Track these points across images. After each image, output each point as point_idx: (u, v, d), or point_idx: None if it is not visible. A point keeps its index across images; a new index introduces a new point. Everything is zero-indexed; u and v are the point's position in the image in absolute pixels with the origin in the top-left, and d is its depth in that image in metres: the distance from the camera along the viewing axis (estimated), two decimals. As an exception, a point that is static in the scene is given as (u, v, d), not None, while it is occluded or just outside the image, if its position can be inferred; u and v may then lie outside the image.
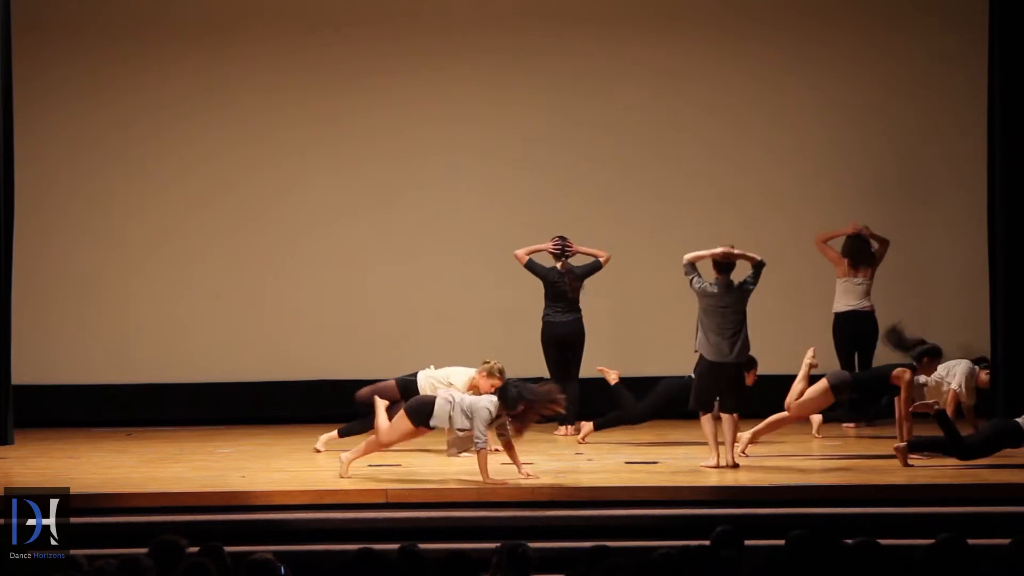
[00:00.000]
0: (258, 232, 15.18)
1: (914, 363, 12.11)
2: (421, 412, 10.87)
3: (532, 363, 14.25)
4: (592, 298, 14.49)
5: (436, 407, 10.80)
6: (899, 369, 12.12)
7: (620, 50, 15.12)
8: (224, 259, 15.18)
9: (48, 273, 15.01)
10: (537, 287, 14.33)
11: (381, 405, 11.22)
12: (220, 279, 15.17)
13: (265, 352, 15.03)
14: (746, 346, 11.57)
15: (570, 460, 12.16)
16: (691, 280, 11.59)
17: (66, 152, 15.10)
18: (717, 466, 11.45)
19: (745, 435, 12.06)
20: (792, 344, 14.64)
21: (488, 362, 11.77)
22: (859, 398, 12.49)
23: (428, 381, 12.41)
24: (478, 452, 10.75)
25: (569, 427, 13.66)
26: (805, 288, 14.85)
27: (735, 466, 11.46)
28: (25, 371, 14.17)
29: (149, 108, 15.10)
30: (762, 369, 12.57)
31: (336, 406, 13.96)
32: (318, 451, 12.56)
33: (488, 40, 15.21)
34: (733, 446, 11.55)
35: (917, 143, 15.13)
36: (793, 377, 13.35)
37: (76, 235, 15.10)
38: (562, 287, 13.93)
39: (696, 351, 11.65)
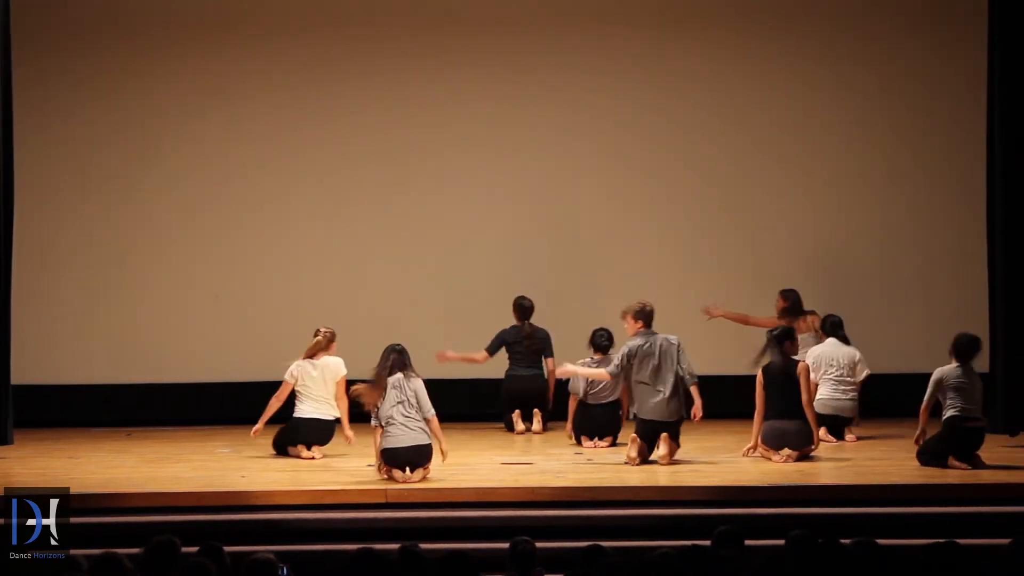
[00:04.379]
0: (258, 232, 15.18)
1: None
2: None
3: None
4: (595, 297, 14.55)
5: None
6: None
7: (623, 49, 15.12)
8: (224, 259, 15.18)
9: (49, 274, 15.01)
10: (544, 290, 14.46)
11: None
12: (219, 279, 15.17)
13: (265, 352, 14.98)
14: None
15: (570, 460, 12.16)
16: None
17: (68, 154, 15.10)
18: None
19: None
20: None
21: None
22: None
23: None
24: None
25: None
26: (804, 286, 14.83)
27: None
28: (25, 371, 14.16)
29: (149, 109, 15.10)
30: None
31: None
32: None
33: (489, 40, 15.20)
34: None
35: (917, 142, 15.12)
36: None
37: (77, 236, 15.10)
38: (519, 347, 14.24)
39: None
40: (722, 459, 12.08)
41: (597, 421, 13.05)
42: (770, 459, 11.85)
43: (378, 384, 11.05)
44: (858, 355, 13.34)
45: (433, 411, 11.08)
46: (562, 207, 15.16)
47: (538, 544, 7.85)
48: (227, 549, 7.54)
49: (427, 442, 10.99)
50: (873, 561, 7.33)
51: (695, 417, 11.93)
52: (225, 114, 15.17)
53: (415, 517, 10.28)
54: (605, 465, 11.83)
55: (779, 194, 15.19)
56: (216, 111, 15.17)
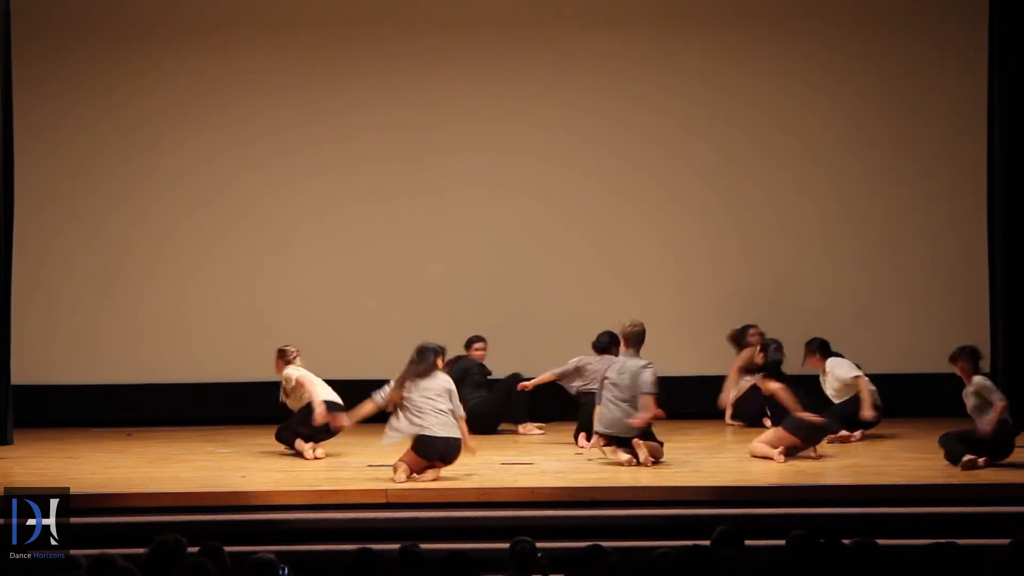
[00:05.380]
0: (257, 232, 15.18)
1: None
2: None
3: (537, 363, 14.27)
4: (595, 295, 14.57)
5: None
6: None
7: (624, 48, 15.11)
8: (224, 260, 15.18)
9: (49, 274, 15.01)
10: (544, 289, 14.44)
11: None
12: (219, 279, 15.17)
13: (265, 352, 14.98)
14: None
15: (570, 460, 12.16)
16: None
17: (68, 154, 15.10)
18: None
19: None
20: (789, 344, 14.67)
21: None
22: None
23: None
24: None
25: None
26: (803, 287, 14.86)
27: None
28: (25, 371, 14.16)
29: (148, 109, 15.10)
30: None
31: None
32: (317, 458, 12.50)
33: (489, 40, 15.20)
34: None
35: (917, 142, 15.12)
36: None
37: (77, 236, 15.10)
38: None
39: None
40: (722, 459, 12.09)
41: (590, 413, 12.65)
42: (771, 459, 11.85)
43: (396, 385, 11.21)
44: (848, 376, 13.24)
45: (463, 412, 11.26)
46: (562, 206, 15.15)
47: (538, 544, 7.84)
48: (227, 549, 7.54)
49: (459, 437, 11.14)
50: (873, 561, 7.34)
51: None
52: (225, 114, 15.17)
53: (415, 517, 10.28)
54: (605, 465, 11.82)
55: (778, 193, 15.18)
56: (216, 111, 15.16)
